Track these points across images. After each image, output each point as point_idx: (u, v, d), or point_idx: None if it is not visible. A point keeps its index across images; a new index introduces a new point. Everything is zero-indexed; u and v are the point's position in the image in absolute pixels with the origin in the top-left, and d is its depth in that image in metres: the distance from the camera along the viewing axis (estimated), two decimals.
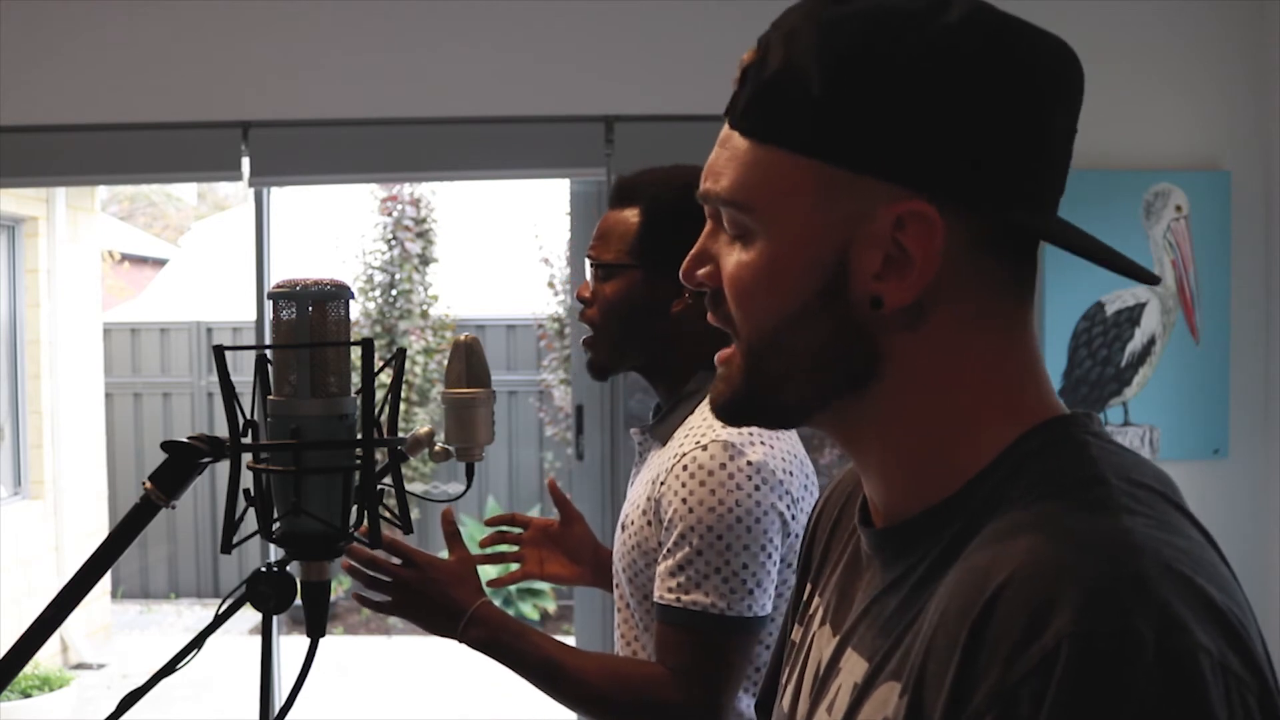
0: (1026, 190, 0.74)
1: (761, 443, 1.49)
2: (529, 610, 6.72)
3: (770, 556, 1.46)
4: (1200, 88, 3.38)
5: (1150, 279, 0.76)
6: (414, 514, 6.43)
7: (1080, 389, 3.35)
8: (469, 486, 1.26)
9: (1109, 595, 0.62)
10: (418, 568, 1.52)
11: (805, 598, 0.95)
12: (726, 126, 0.79)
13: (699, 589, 1.45)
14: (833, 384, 0.77)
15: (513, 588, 6.68)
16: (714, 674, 1.46)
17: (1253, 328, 3.39)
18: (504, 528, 1.82)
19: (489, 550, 1.80)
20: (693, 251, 0.82)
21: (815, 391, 0.77)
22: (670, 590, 1.47)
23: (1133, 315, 3.35)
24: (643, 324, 1.60)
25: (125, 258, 9.99)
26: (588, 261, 1.64)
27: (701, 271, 0.81)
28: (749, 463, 1.46)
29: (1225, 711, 0.60)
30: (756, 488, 1.46)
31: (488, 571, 1.76)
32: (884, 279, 0.74)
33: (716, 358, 0.82)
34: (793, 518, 1.49)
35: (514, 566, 1.81)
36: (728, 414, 0.82)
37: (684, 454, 1.49)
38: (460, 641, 1.52)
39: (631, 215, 1.60)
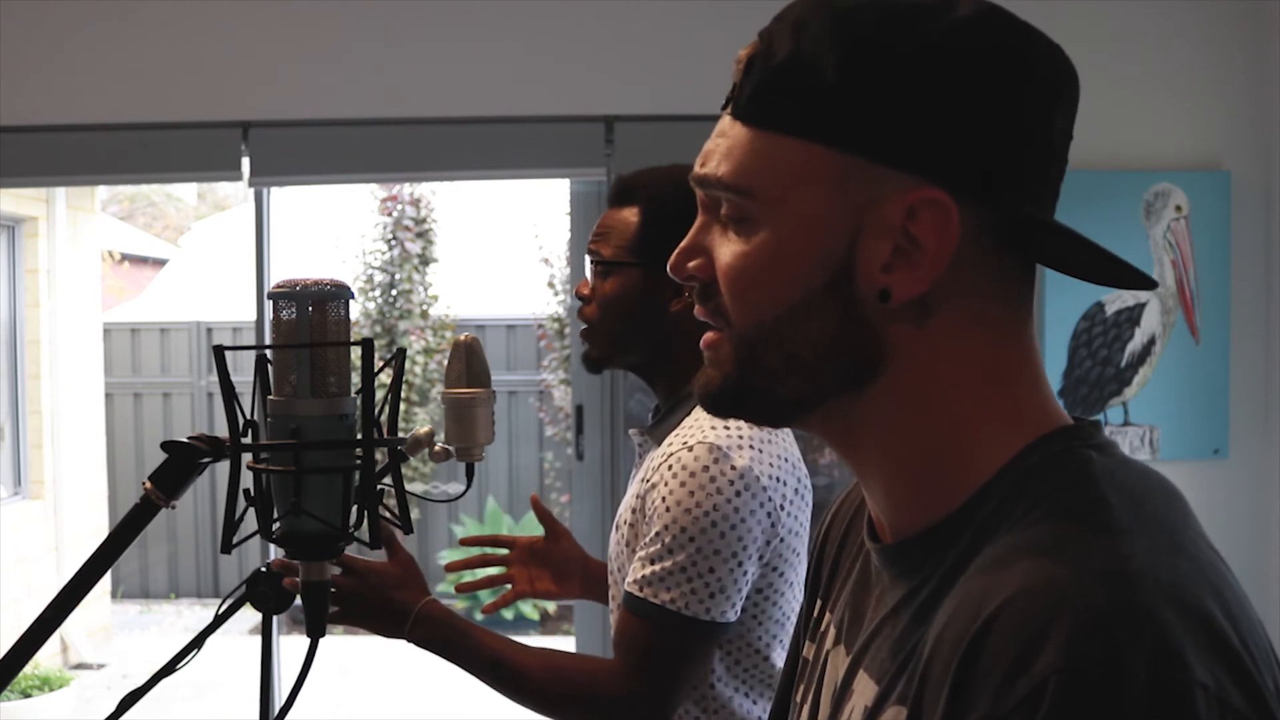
0: (1034, 188, 0.73)
1: (750, 446, 1.48)
2: (528, 611, 6.71)
3: (741, 565, 1.46)
4: (1200, 88, 3.38)
5: (1148, 284, 0.75)
6: (414, 514, 6.43)
7: (1080, 389, 3.35)
8: (469, 486, 1.26)
9: (1100, 627, 0.60)
10: (356, 575, 1.53)
11: (816, 614, 0.93)
12: (726, 118, 0.77)
13: (662, 584, 1.46)
14: (834, 380, 0.75)
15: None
16: (661, 671, 1.47)
17: (1253, 328, 3.39)
18: (486, 550, 1.82)
19: (479, 575, 1.79)
20: (682, 244, 0.80)
21: (815, 387, 0.75)
22: (635, 581, 1.49)
23: (1133, 315, 3.35)
24: (640, 322, 1.60)
25: (125, 258, 10.00)
26: (588, 258, 1.64)
27: (693, 264, 0.79)
28: (733, 467, 1.46)
29: None
30: (738, 493, 1.45)
31: (482, 597, 1.76)
32: (892, 270, 0.72)
33: (702, 342, 0.80)
34: (773, 524, 1.49)
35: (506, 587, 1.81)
36: (717, 405, 0.80)
37: (671, 454, 1.50)
38: (408, 641, 1.53)
39: (631, 214, 1.60)
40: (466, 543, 1.82)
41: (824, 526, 0.98)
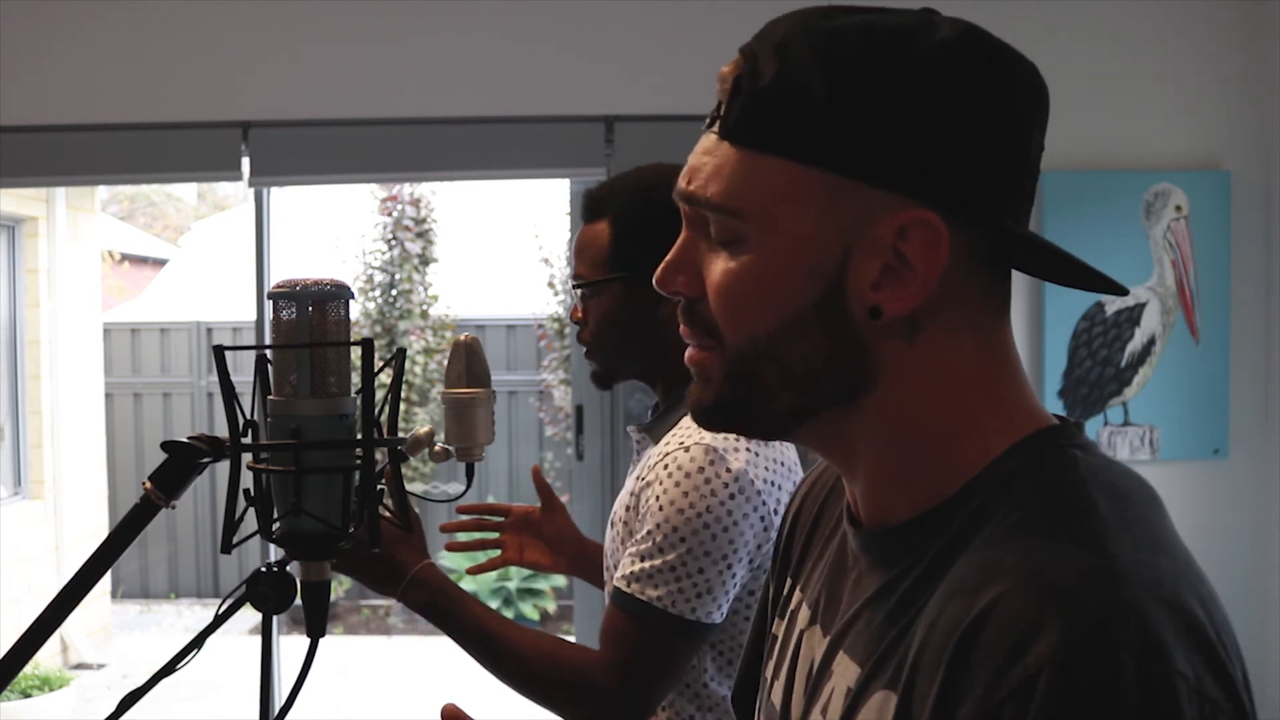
0: (1015, 202, 0.75)
1: (747, 449, 1.49)
2: (529, 610, 6.71)
3: (731, 567, 1.47)
4: (1200, 88, 3.38)
5: (1119, 290, 0.77)
6: None
7: (1080, 389, 3.35)
8: (469, 486, 1.26)
9: (1092, 622, 0.63)
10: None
11: (786, 592, 0.95)
12: (712, 137, 0.77)
13: (650, 581, 1.46)
14: (826, 394, 0.76)
15: (512, 588, 6.68)
16: (644, 666, 1.47)
17: (1253, 328, 3.40)
18: (484, 516, 1.82)
19: (468, 537, 1.79)
20: (668, 258, 0.81)
21: (808, 401, 0.77)
22: (624, 577, 1.49)
23: (1133, 315, 3.35)
24: (634, 333, 1.61)
25: (125, 258, 10.01)
26: (572, 284, 1.65)
27: (680, 279, 0.80)
28: (728, 470, 1.46)
29: None
30: (731, 496, 1.46)
31: (466, 559, 1.75)
32: (881, 288, 0.74)
33: (686, 359, 0.81)
34: (765, 529, 1.49)
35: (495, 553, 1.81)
36: (710, 420, 0.81)
37: (668, 453, 1.50)
38: (401, 601, 1.52)
39: (602, 229, 1.61)
40: (463, 511, 1.82)
41: (795, 506, 1.00)
